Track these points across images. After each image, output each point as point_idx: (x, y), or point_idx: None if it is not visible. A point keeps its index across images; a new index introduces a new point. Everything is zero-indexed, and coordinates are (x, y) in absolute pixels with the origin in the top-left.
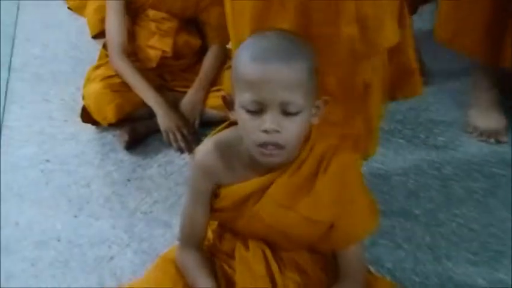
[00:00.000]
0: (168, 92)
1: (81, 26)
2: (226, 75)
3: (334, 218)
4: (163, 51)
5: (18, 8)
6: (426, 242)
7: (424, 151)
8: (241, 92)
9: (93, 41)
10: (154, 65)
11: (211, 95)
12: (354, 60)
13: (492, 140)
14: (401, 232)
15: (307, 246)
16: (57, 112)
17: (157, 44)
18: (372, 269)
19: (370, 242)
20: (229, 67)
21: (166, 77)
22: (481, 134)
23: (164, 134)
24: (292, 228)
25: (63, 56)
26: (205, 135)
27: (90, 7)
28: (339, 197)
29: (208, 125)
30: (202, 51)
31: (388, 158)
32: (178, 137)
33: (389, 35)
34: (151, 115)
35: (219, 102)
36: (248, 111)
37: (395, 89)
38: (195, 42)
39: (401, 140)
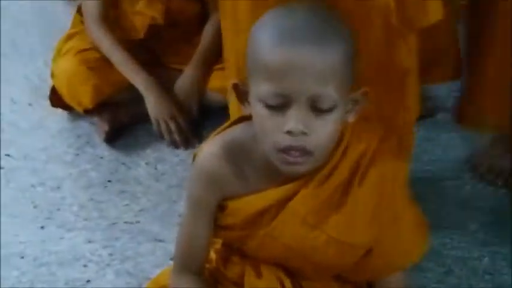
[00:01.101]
0: (159, 70)
1: None
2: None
3: (372, 240)
4: (153, 18)
5: None
6: (484, 266)
7: None
8: (260, 82)
9: (64, 4)
10: (141, 35)
11: (215, 74)
12: (389, 40)
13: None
14: (453, 253)
15: (336, 275)
16: (20, 94)
17: (145, 10)
18: None
19: (413, 266)
20: None
21: (157, 50)
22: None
23: (154, 124)
24: (318, 252)
25: (28, 24)
26: (205, 126)
27: None
28: (379, 215)
29: (209, 112)
30: (202, 18)
31: (436, 156)
32: (172, 127)
33: (430, 10)
34: (137, 99)
35: (225, 83)
36: (268, 106)
37: (426, 73)
38: (192, 8)
39: (453, 133)
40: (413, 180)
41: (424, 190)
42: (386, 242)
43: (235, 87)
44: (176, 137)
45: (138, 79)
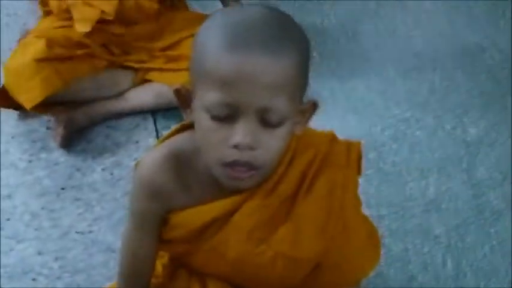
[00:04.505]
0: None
1: None
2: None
3: (321, 253)
4: (103, 12)
5: None
6: (449, 272)
7: (450, 147)
8: (206, 90)
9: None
10: (88, 28)
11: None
12: None
13: None
14: (416, 258)
15: None
16: None
17: (96, 2)
18: None
19: (374, 273)
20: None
21: (113, 49)
22: None
23: None
24: (264, 267)
25: None
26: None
27: None
28: (328, 226)
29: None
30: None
31: (401, 156)
32: None
33: None
34: (93, 100)
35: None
36: (213, 116)
37: None
38: (150, 5)
39: (419, 132)
40: (376, 181)
41: (387, 192)
42: (336, 254)
43: (177, 92)
44: None
45: None
